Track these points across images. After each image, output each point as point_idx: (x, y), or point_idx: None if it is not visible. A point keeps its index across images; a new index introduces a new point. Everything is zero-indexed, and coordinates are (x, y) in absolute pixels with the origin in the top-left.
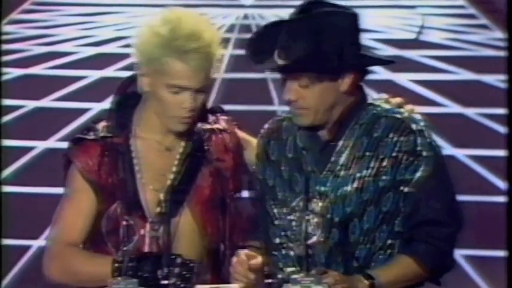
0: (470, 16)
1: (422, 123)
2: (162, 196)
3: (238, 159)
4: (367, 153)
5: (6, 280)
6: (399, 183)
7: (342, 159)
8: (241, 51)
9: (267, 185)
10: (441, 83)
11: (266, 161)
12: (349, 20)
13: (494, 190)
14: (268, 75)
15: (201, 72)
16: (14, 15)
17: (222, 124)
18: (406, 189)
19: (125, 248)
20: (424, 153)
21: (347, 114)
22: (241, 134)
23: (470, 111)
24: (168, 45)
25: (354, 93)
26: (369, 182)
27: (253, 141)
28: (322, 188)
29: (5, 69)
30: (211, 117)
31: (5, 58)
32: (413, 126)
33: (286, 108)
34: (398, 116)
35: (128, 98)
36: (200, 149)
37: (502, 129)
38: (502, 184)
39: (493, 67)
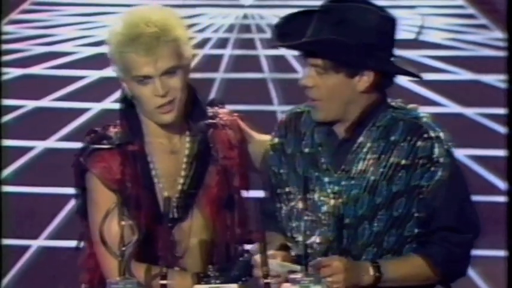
0: (470, 16)
1: (440, 130)
2: (174, 202)
3: (244, 155)
4: (383, 156)
5: (6, 280)
6: (413, 189)
7: (357, 160)
8: (241, 51)
9: (281, 178)
10: (440, 83)
11: (282, 154)
12: (382, 22)
13: (494, 190)
14: (267, 75)
15: (155, 56)
16: (14, 16)
17: (223, 118)
18: (421, 195)
19: (123, 248)
20: (441, 160)
21: (366, 114)
22: (244, 127)
23: (469, 111)
24: (121, 40)
25: (374, 94)
26: (382, 186)
27: (256, 134)
28: (336, 188)
29: (4, 69)
30: (210, 110)
31: (5, 58)
32: (431, 133)
33: (286, 108)
34: (416, 121)
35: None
36: (206, 149)
37: (501, 129)
38: (502, 184)
39: (492, 67)
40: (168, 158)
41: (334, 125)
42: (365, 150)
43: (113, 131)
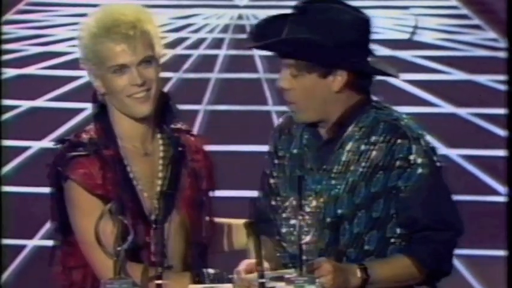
0: (464, 16)
1: (418, 131)
2: (155, 203)
3: (208, 158)
4: (362, 157)
5: (3, 279)
6: (391, 190)
7: (338, 160)
8: (236, 52)
9: (275, 181)
10: (434, 83)
11: (275, 157)
12: (356, 21)
13: (493, 191)
14: (262, 75)
15: (132, 44)
16: (9, 16)
17: (182, 124)
18: (399, 196)
19: (118, 248)
20: (418, 161)
21: (347, 114)
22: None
23: (463, 111)
24: (97, 32)
25: (355, 94)
26: (361, 187)
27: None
28: (318, 187)
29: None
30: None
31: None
32: (409, 134)
33: (280, 108)
34: (395, 122)
35: (104, 106)
36: (178, 151)
37: (496, 129)
38: (501, 184)
39: (486, 67)
40: (143, 161)
41: (318, 125)
42: (346, 150)
43: (85, 137)
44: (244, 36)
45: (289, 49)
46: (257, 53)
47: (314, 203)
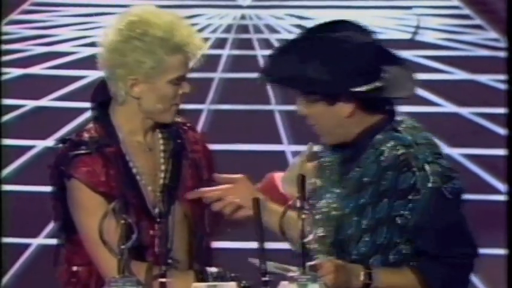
0: (465, 17)
1: (428, 158)
2: (158, 196)
3: (207, 148)
4: (372, 181)
5: (6, 278)
6: (394, 218)
7: (352, 181)
8: (239, 51)
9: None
10: (436, 83)
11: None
12: (357, 48)
13: (493, 189)
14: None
15: (188, 58)
16: (14, 16)
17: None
18: (405, 225)
19: (122, 246)
20: (423, 191)
21: (365, 135)
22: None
23: (465, 111)
24: (165, 44)
25: (375, 115)
26: (368, 211)
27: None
28: (334, 205)
29: (5, 69)
30: None
31: (5, 58)
32: (414, 163)
33: (283, 108)
34: (405, 147)
35: (103, 104)
36: (178, 144)
37: (498, 128)
38: (501, 183)
39: (487, 67)
40: (145, 156)
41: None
42: (360, 172)
43: (87, 136)
44: (247, 36)
45: (290, 84)
46: (260, 52)
47: (332, 215)
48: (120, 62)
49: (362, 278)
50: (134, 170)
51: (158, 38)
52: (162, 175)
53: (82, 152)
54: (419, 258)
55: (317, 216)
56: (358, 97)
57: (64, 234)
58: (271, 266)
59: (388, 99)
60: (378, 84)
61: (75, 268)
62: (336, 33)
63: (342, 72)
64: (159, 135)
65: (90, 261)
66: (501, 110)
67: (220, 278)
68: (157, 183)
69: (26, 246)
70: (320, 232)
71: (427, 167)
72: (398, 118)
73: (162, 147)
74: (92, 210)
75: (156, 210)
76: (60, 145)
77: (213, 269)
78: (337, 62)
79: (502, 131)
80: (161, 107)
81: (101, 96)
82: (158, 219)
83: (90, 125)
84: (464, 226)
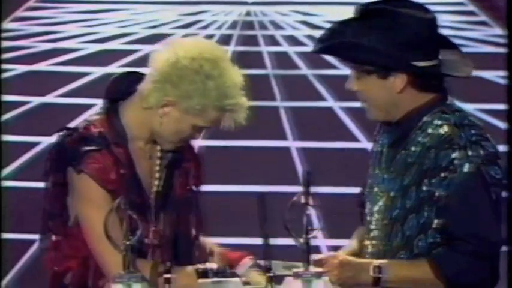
0: (470, 13)
1: (473, 138)
2: (152, 203)
3: (197, 156)
4: (416, 161)
5: (9, 275)
6: (432, 196)
7: (401, 161)
8: (244, 48)
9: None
10: None
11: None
12: (414, 22)
13: None
14: (270, 71)
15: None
16: (19, 13)
17: None
18: (438, 203)
19: (128, 242)
20: (460, 170)
21: (414, 115)
22: None
23: (469, 107)
24: (237, 88)
25: (427, 94)
26: (412, 191)
27: None
28: (383, 187)
29: (10, 66)
30: None
31: (11, 55)
32: (456, 141)
33: (288, 104)
34: (448, 129)
35: (114, 102)
36: (175, 155)
37: (501, 124)
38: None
39: (492, 63)
40: (145, 162)
41: (391, 124)
42: (407, 152)
43: (95, 131)
44: (252, 32)
45: (344, 53)
46: (265, 49)
47: (380, 203)
48: (174, 81)
49: (371, 272)
50: (139, 173)
51: (219, 91)
52: (156, 182)
53: (93, 148)
54: (438, 249)
55: (368, 204)
56: (413, 72)
57: (61, 227)
58: (278, 266)
59: (440, 81)
60: (434, 62)
61: (71, 261)
62: (395, 8)
63: (400, 44)
64: (159, 147)
65: (87, 254)
66: (501, 106)
67: (220, 273)
68: (151, 190)
69: (30, 242)
70: (374, 219)
71: (468, 146)
72: (447, 101)
73: (159, 154)
74: (98, 205)
75: (152, 217)
76: (63, 136)
77: (213, 265)
78: (396, 34)
79: (502, 125)
80: (171, 137)
81: (112, 94)
82: (154, 227)
83: (94, 118)
84: (497, 216)
